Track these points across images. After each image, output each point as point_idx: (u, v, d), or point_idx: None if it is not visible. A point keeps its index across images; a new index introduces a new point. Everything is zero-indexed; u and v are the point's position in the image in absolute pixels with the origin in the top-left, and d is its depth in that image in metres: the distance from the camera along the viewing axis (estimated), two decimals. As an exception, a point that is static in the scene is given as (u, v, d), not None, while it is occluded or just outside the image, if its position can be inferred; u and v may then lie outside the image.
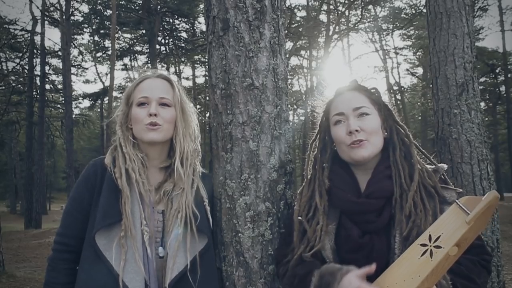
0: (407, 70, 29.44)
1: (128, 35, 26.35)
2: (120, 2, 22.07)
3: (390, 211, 1.41)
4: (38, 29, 21.79)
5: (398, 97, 25.79)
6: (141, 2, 21.93)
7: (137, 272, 1.46)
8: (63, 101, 22.42)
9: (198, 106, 26.87)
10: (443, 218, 1.26)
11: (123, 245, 1.46)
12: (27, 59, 22.98)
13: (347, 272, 1.29)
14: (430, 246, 1.22)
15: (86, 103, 37.64)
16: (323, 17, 24.09)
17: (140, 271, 1.46)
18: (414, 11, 23.66)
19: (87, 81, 37.93)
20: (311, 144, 1.64)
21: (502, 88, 25.22)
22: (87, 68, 31.86)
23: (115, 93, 21.66)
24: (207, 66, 1.87)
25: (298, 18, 23.60)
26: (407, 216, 1.37)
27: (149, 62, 22.25)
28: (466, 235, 1.21)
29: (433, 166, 1.51)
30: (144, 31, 22.99)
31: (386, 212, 1.41)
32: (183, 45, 25.54)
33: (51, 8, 22.71)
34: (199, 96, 28.91)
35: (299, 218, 1.52)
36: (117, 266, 1.45)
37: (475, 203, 1.21)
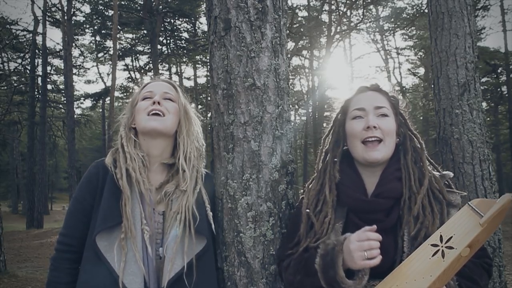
0: (409, 70, 29.42)
1: (130, 35, 26.36)
2: (122, 3, 22.07)
3: (398, 212, 1.43)
4: (40, 29, 21.85)
5: (400, 97, 25.66)
6: (142, 2, 21.94)
7: (137, 274, 1.47)
8: (65, 101, 22.45)
9: (199, 107, 26.88)
10: (455, 220, 1.27)
11: (123, 247, 1.47)
12: (29, 59, 23.02)
13: (350, 235, 1.33)
14: (442, 246, 1.23)
15: (88, 103, 37.75)
16: (324, 17, 24.08)
17: (139, 273, 1.47)
18: (415, 11, 23.63)
19: (88, 81, 37.79)
20: (324, 139, 1.65)
21: (504, 88, 25.17)
22: (88, 68, 31.96)
23: (116, 93, 21.68)
24: (208, 66, 1.87)
25: (299, 18, 23.58)
26: (415, 217, 1.39)
27: (150, 62, 22.27)
28: (479, 237, 1.22)
29: (439, 173, 1.53)
30: (145, 31, 22.98)
31: (394, 213, 1.43)
32: (184, 45, 25.54)
33: (53, 9, 22.80)
34: (201, 96, 28.90)
35: (307, 211, 1.53)
36: (117, 267, 1.46)
37: (488, 206, 1.23)
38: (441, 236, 1.25)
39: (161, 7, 21.95)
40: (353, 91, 1.60)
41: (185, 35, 25.62)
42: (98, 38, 26.15)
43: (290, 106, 1.84)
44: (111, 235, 1.50)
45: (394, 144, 1.51)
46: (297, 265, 1.46)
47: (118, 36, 21.27)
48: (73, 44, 22.85)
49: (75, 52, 26.37)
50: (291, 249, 1.54)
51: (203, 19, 23.57)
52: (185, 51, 25.55)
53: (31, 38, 22.36)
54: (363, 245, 1.27)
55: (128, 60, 26.71)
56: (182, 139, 1.63)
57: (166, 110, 1.60)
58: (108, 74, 30.83)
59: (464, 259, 1.23)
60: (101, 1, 22.75)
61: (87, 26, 24.56)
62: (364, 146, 1.48)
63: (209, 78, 1.89)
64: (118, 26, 19.37)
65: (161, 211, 1.60)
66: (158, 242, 1.57)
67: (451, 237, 1.23)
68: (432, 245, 1.25)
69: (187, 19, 24.09)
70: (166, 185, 1.61)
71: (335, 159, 1.57)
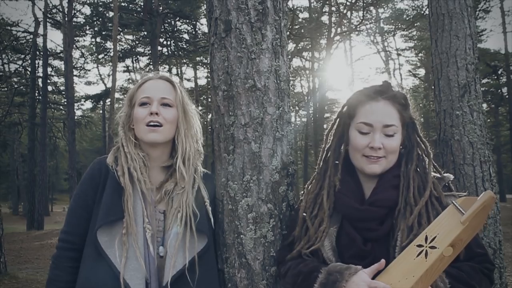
0: (409, 71, 29.45)
1: (130, 37, 26.39)
2: (122, 4, 22.10)
3: (392, 220, 1.40)
4: (41, 31, 21.91)
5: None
6: (142, 4, 21.96)
7: (138, 270, 1.47)
8: (65, 103, 22.50)
9: (200, 108, 26.88)
10: (440, 219, 1.26)
11: (125, 243, 1.47)
12: (29, 61, 23.07)
13: (356, 271, 1.28)
14: (426, 246, 1.23)
15: (88, 104, 37.52)
16: (325, 19, 24.10)
17: (141, 269, 1.47)
18: (416, 13, 23.65)
19: (89, 83, 37.82)
20: (326, 135, 1.62)
21: (504, 90, 25.19)
22: (89, 70, 32.07)
23: (117, 95, 21.67)
24: (209, 68, 1.87)
25: (300, 20, 23.61)
26: (409, 227, 1.36)
27: (151, 63, 22.29)
28: (461, 236, 1.22)
29: (439, 175, 1.49)
30: (146, 33, 23.01)
31: (388, 222, 1.40)
32: (185, 46, 25.55)
33: (54, 10, 22.83)
34: (201, 98, 28.92)
35: (304, 214, 1.52)
36: (118, 263, 1.46)
37: (471, 204, 1.22)
38: (426, 236, 1.25)
39: (161, 8, 21.97)
40: (364, 94, 1.48)
41: (186, 36, 25.67)
42: (98, 39, 26.21)
43: (291, 107, 1.84)
44: (112, 230, 1.50)
45: (396, 157, 1.47)
46: (295, 277, 1.43)
47: (118, 37, 21.28)
48: (74, 46, 22.86)
49: (76, 54, 26.50)
50: (286, 248, 1.54)
51: (203, 21, 23.61)
52: (185, 53, 25.55)
53: (31, 39, 22.39)
54: None
55: (128, 62, 26.84)
56: (181, 142, 1.62)
57: (163, 120, 1.59)
58: (108, 76, 30.84)
59: (448, 259, 1.22)
60: (101, 3, 22.79)
61: (88, 27, 24.61)
62: (365, 158, 1.44)
63: (209, 79, 1.89)
64: (119, 28, 19.39)
65: (162, 209, 1.60)
66: (159, 241, 1.57)
67: (435, 236, 1.23)
68: (417, 245, 1.25)
69: (187, 21, 24.11)
70: (165, 184, 1.62)
71: (336, 162, 1.54)
